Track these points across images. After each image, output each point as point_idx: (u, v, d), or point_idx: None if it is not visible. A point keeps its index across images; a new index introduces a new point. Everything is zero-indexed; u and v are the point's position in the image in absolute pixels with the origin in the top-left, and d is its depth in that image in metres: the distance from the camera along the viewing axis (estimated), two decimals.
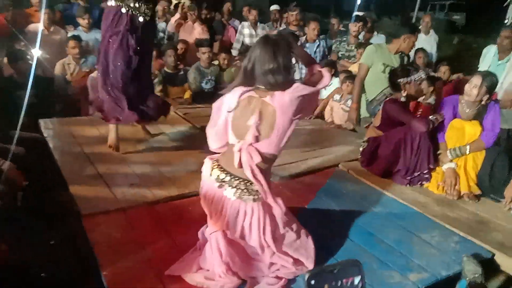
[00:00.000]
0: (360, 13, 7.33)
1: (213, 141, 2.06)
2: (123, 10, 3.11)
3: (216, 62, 5.48)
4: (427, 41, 6.19)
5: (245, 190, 1.90)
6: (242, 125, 1.89)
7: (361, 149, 3.46)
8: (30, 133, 3.45)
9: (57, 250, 2.47)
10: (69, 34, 5.13)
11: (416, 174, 3.16)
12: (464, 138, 3.10)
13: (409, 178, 3.16)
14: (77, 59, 4.81)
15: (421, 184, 3.17)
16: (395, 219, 2.69)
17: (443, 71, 5.33)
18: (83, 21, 5.18)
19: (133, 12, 3.13)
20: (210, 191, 1.98)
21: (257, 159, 1.85)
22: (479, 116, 3.13)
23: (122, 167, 3.13)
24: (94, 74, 4.50)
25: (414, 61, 5.46)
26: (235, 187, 1.90)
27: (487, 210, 2.88)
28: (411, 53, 5.43)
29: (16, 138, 2.95)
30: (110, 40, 3.16)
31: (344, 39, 5.78)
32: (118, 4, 3.11)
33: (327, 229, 2.49)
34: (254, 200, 1.91)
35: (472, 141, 3.07)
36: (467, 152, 3.07)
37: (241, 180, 1.90)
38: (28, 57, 4.37)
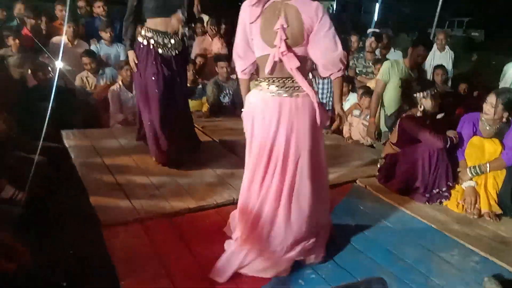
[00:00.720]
0: (377, 30, 7.34)
1: (239, 65, 2.23)
2: (151, 46, 3.18)
3: (234, 76, 5.53)
4: (443, 57, 6.18)
5: (287, 87, 2.07)
6: (271, 33, 1.99)
7: (378, 165, 3.44)
8: (52, 143, 3.52)
9: (76, 259, 2.51)
10: (92, 47, 5.25)
11: (434, 191, 3.13)
12: (484, 156, 3.06)
13: (427, 195, 3.13)
14: (94, 73, 4.92)
15: (440, 202, 3.13)
16: (414, 237, 2.65)
17: (462, 89, 5.29)
18: (105, 35, 5.31)
19: (162, 48, 3.19)
20: (257, 101, 2.14)
21: (296, 64, 2.00)
22: (501, 133, 3.09)
23: (141, 178, 3.17)
24: (115, 87, 4.60)
25: (432, 77, 5.44)
26: (279, 86, 2.08)
27: (508, 229, 2.82)
28: (429, 70, 5.44)
29: (39, 148, 3.01)
30: (143, 74, 3.23)
31: (361, 55, 5.80)
32: (146, 40, 3.18)
33: (344, 246, 2.48)
34: (297, 95, 2.08)
35: (492, 159, 3.03)
36: (487, 170, 3.03)
37: (282, 79, 2.08)
38: (50, 69, 4.48)
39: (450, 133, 3.18)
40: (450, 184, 3.11)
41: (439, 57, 6.16)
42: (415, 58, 3.99)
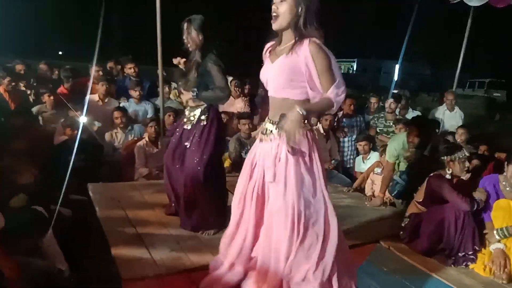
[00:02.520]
0: (395, 91, 7.53)
1: None
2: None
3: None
4: (452, 117, 6.21)
5: None
6: None
7: (402, 224, 3.38)
8: (78, 196, 3.62)
9: None
10: (121, 105, 5.49)
11: (460, 254, 3.03)
12: (511, 218, 2.98)
13: (453, 258, 3.03)
14: (122, 128, 5.12)
15: (466, 265, 3.02)
16: None
17: (482, 150, 5.23)
18: (134, 93, 5.57)
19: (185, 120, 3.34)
20: None
21: None
22: None
23: (162, 232, 3.19)
24: (141, 143, 4.76)
25: (455, 138, 5.43)
26: None
27: None
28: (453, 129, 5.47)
29: (60, 200, 3.09)
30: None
31: (382, 115, 5.89)
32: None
33: None
34: None
35: None
36: None
37: None
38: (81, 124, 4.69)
39: (478, 194, 3.13)
40: (477, 248, 3.02)
41: (449, 117, 6.20)
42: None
